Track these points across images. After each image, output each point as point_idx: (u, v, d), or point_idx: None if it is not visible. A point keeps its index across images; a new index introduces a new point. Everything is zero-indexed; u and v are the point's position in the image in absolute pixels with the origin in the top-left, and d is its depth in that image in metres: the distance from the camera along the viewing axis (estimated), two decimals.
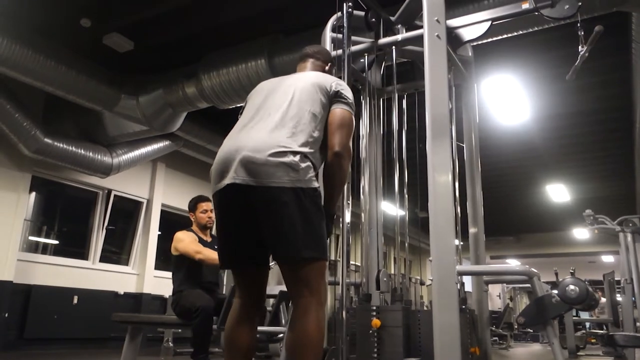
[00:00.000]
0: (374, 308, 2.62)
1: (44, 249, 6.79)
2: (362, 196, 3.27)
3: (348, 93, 2.03)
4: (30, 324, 5.95)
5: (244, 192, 1.75)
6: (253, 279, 1.93)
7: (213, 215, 3.86)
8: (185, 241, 3.61)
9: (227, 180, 1.78)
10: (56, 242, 7.01)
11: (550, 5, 2.85)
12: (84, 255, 7.04)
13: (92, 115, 6.09)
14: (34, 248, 6.66)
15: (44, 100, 6.20)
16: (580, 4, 2.85)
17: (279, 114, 1.90)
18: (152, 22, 4.77)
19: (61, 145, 5.81)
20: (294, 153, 1.79)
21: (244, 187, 1.75)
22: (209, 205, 3.83)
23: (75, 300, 6.46)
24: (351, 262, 3.24)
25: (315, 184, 1.83)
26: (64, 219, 7.19)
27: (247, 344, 1.87)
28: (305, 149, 1.83)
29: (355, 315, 2.89)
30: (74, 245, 7.11)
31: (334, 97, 1.98)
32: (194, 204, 3.85)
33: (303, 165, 1.79)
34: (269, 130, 1.84)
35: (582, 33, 2.84)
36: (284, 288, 2.13)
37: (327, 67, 2.28)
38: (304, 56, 2.31)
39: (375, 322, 2.53)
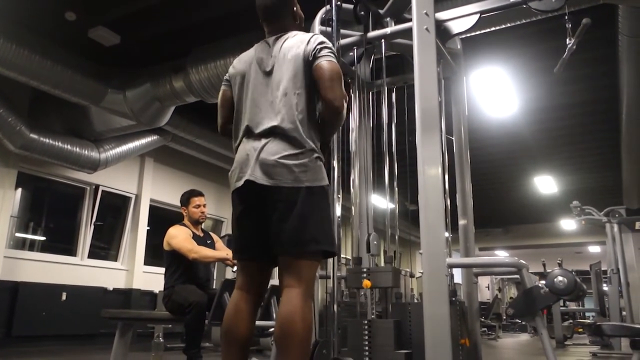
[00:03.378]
0: (365, 270, 2.64)
1: (31, 246, 6.73)
2: (352, 189, 3.27)
3: (327, 43, 2.01)
4: (17, 322, 5.89)
5: (259, 190, 1.86)
6: (259, 273, 1.99)
7: (205, 210, 3.84)
8: (179, 237, 3.58)
9: (245, 178, 1.89)
10: (43, 238, 6.94)
11: None
12: (72, 252, 6.98)
13: (78, 110, 6.02)
14: (21, 245, 6.59)
15: (29, 95, 6.11)
16: None
17: (279, 113, 1.92)
18: (138, 15, 4.72)
19: (47, 140, 5.74)
20: (304, 153, 1.88)
21: (259, 186, 1.86)
22: (201, 200, 3.80)
23: (64, 297, 6.42)
24: (342, 256, 3.25)
25: (325, 182, 1.93)
26: (51, 215, 7.12)
27: (244, 336, 1.89)
28: (311, 141, 1.91)
29: (346, 305, 2.90)
30: (61, 242, 7.04)
31: (315, 54, 1.95)
32: (186, 198, 3.81)
33: (312, 164, 1.89)
34: (277, 133, 1.90)
35: (570, 26, 2.85)
36: (275, 282, 2.14)
37: (295, 9, 2.16)
38: (268, 18, 2.12)
39: (366, 282, 2.57)
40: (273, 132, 1.90)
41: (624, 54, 4.49)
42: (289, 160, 1.85)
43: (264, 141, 1.90)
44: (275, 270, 2.00)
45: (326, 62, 1.94)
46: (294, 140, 1.89)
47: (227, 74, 2.18)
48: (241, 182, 1.90)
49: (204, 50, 5.04)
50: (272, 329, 3.60)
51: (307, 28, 3.19)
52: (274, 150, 1.87)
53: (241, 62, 2.12)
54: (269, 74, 2.00)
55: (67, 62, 5.03)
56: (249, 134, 1.97)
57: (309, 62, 1.95)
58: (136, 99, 5.48)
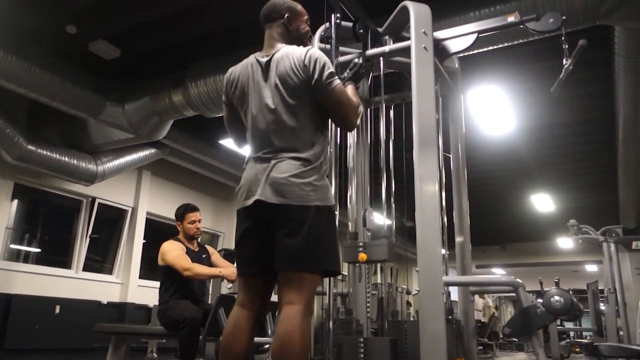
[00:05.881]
0: (361, 244, 2.63)
1: (26, 258, 6.68)
2: (349, 205, 3.27)
3: (323, 60, 1.96)
4: (10, 335, 5.82)
5: (269, 208, 1.87)
6: (261, 290, 1.98)
7: (200, 225, 3.82)
8: (174, 253, 3.55)
9: (254, 197, 1.89)
10: (38, 250, 6.90)
11: (535, 19, 2.90)
12: (66, 264, 6.93)
13: (77, 123, 6.03)
14: (16, 256, 6.55)
15: (28, 107, 6.12)
16: (564, 17, 2.90)
17: (285, 134, 1.94)
18: (139, 29, 4.75)
19: (45, 152, 5.73)
20: (313, 172, 1.90)
21: (269, 205, 1.86)
22: (196, 216, 3.78)
23: (57, 310, 6.35)
24: None
25: (331, 202, 1.95)
26: (46, 227, 7.08)
27: (242, 353, 1.87)
28: (320, 160, 1.94)
29: (341, 322, 2.87)
30: (56, 254, 7.00)
31: (318, 80, 1.92)
32: (181, 213, 3.78)
33: (320, 183, 1.91)
34: (286, 153, 1.93)
35: (567, 46, 2.88)
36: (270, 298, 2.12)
37: (285, 18, 2.12)
38: (263, 24, 2.16)
39: (362, 256, 2.55)
40: (281, 154, 1.92)
41: (620, 74, 4.53)
42: (298, 178, 1.87)
43: (273, 162, 1.91)
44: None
45: (333, 89, 1.94)
46: (302, 159, 1.90)
47: (224, 95, 2.16)
48: (250, 201, 1.91)
49: (203, 64, 5.07)
50: (267, 345, 3.58)
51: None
52: (284, 169, 1.88)
53: (237, 78, 2.09)
54: (268, 95, 1.98)
55: (67, 75, 5.05)
56: (258, 154, 1.98)
57: (312, 86, 1.94)
58: (135, 112, 5.49)
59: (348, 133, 3.30)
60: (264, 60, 2.05)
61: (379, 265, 3.61)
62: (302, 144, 1.92)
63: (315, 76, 1.93)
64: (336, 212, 2.77)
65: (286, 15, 2.12)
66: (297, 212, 1.84)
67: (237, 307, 1.95)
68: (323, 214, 1.89)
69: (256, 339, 3.42)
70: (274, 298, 1.98)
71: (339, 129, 2.08)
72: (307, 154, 1.91)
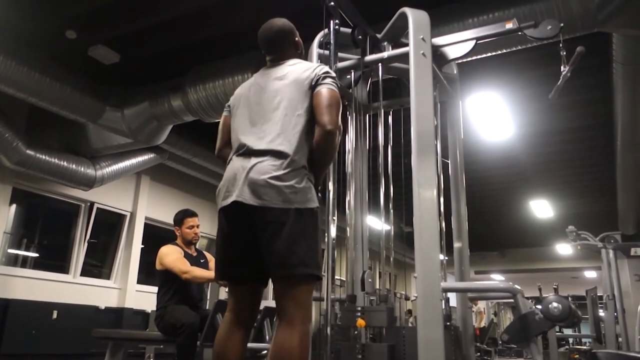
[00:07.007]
0: (359, 308, 2.62)
1: (24, 262, 6.66)
2: (347, 211, 3.27)
3: (331, 73, 2.05)
4: (7, 340, 5.80)
5: (247, 210, 1.84)
6: (249, 295, 1.97)
7: (199, 230, 3.82)
8: (172, 256, 3.54)
9: (232, 198, 1.87)
10: (36, 255, 6.87)
11: (533, 25, 2.91)
12: (64, 269, 6.91)
13: (76, 127, 6.02)
14: (13, 261, 6.52)
15: (27, 111, 6.12)
16: (562, 25, 2.91)
17: (274, 131, 1.94)
18: (138, 34, 4.76)
19: (44, 157, 5.72)
20: (294, 174, 1.86)
21: (247, 206, 1.83)
22: (195, 221, 3.78)
23: (55, 315, 6.33)
24: (336, 278, 3.23)
25: (314, 204, 1.90)
26: (45, 232, 7.07)
27: (236, 358, 1.86)
28: (303, 162, 1.91)
29: (339, 328, 2.87)
30: (54, 259, 6.98)
31: (317, 81, 2.00)
32: (180, 218, 3.78)
33: (301, 186, 1.87)
34: (269, 152, 1.90)
35: (564, 53, 2.89)
36: (268, 304, 2.12)
37: (296, 39, 2.22)
38: (270, 50, 2.18)
39: (360, 322, 2.54)
40: (266, 151, 1.90)
41: (618, 81, 4.54)
42: (278, 181, 1.83)
43: (254, 160, 1.89)
44: (267, 290, 1.99)
45: (326, 89, 1.97)
46: (286, 160, 1.88)
47: (229, 101, 2.22)
48: (228, 202, 1.89)
49: (203, 69, 5.08)
50: (265, 352, 3.56)
51: (305, 51, 3.24)
52: (264, 170, 1.85)
53: (242, 87, 2.18)
54: (268, 95, 2.02)
55: (66, 80, 5.06)
56: (241, 151, 1.97)
57: (311, 87, 1.99)
58: (134, 117, 5.50)
59: (347, 138, 3.30)
60: (270, 64, 2.15)
61: (377, 270, 3.60)
62: (286, 146, 1.90)
63: (317, 75, 2.00)
64: (334, 218, 2.78)
65: (296, 38, 2.21)
66: (275, 215, 1.81)
67: (229, 312, 1.95)
68: (304, 217, 1.86)
69: (254, 345, 3.41)
70: (273, 303, 1.98)
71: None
72: (290, 156, 1.88)
